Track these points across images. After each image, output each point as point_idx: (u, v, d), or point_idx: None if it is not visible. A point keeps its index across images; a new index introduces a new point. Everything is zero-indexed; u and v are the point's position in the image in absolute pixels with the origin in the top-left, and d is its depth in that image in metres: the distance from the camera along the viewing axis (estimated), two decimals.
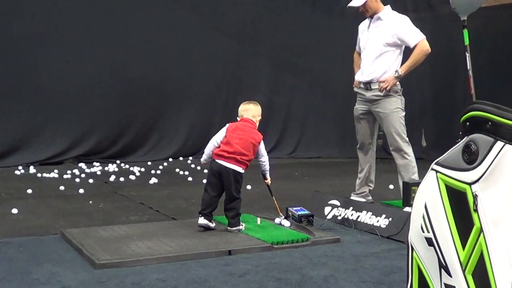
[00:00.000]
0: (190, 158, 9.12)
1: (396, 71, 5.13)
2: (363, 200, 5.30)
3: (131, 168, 7.95)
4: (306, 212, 4.52)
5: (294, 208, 4.58)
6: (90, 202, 5.53)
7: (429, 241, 2.11)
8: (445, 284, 2.07)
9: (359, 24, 5.49)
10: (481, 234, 1.95)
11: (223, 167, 4.17)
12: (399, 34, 5.10)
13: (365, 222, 4.50)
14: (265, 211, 4.83)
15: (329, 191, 5.64)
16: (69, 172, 7.41)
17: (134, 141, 9.03)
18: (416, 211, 2.19)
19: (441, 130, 9.74)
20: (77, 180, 6.95)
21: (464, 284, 1.98)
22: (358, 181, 5.48)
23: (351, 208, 4.72)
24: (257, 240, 3.98)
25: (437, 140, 9.76)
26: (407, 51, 5.24)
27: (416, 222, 2.18)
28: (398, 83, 5.17)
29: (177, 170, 7.84)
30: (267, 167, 4.49)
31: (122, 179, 7.00)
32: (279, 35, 9.89)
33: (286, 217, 4.53)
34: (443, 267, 2.06)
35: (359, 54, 5.46)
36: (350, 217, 4.63)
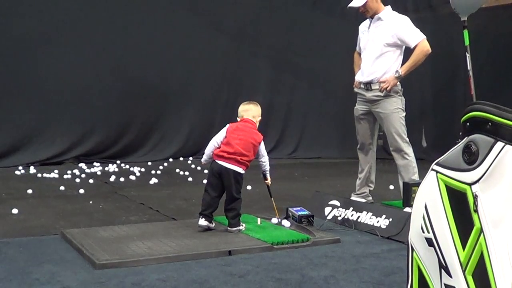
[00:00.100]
0: (191, 158, 9.13)
1: (397, 71, 5.13)
2: (363, 200, 5.30)
3: (131, 168, 7.95)
4: (306, 212, 4.52)
5: (294, 209, 4.58)
6: (90, 202, 5.53)
7: (429, 242, 2.11)
8: (445, 284, 2.07)
9: (359, 24, 5.50)
10: (481, 235, 1.95)
11: (224, 168, 4.17)
12: (399, 34, 5.10)
13: (365, 222, 4.50)
14: (265, 212, 4.83)
15: (329, 191, 5.64)
16: (69, 172, 7.41)
17: (135, 141, 9.03)
18: (416, 212, 2.19)
19: (441, 131, 9.74)
20: (77, 180, 6.95)
21: (464, 284, 1.98)
22: (358, 182, 5.48)
23: (351, 208, 4.72)
24: (257, 240, 3.98)
25: (437, 141, 9.76)
26: (408, 52, 5.24)
27: (416, 222, 2.18)
28: (398, 83, 5.17)
29: (177, 170, 7.84)
30: (268, 167, 4.49)
31: (122, 179, 7.00)
32: (279, 35, 9.89)
33: (286, 218, 4.53)
34: (443, 267, 2.06)
35: (359, 54, 5.46)
36: (350, 218, 4.63)
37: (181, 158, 9.16)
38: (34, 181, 6.90)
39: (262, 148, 4.39)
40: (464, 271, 1.99)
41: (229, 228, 4.22)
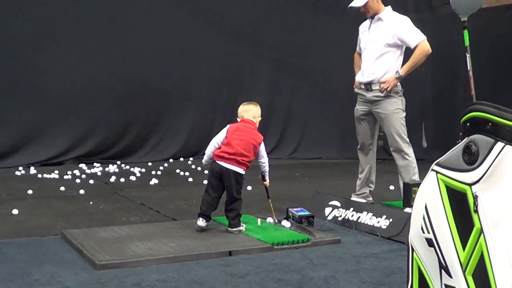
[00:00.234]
0: (191, 159, 9.12)
1: (397, 71, 5.13)
2: (364, 201, 5.30)
3: (132, 169, 7.95)
4: (307, 213, 4.52)
5: (295, 209, 4.58)
6: (91, 202, 5.53)
7: (430, 242, 2.11)
8: (445, 285, 2.07)
9: (359, 24, 5.50)
10: (481, 235, 1.95)
11: (224, 168, 4.17)
12: (399, 34, 5.10)
13: (365, 223, 4.50)
14: (265, 212, 4.83)
15: (330, 192, 5.64)
16: (69, 172, 7.41)
17: (135, 141, 9.03)
18: (416, 212, 2.19)
19: (442, 131, 9.75)
20: (78, 180, 6.95)
21: (465, 285, 1.98)
22: (358, 182, 5.48)
23: (351, 209, 4.72)
24: (257, 241, 3.98)
25: (437, 141, 9.77)
26: (408, 52, 5.24)
27: (416, 223, 2.18)
28: (398, 83, 5.17)
29: (177, 170, 7.84)
30: (267, 168, 4.49)
31: (122, 179, 7.01)
32: (279, 35, 9.90)
33: (287, 218, 4.53)
34: (444, 267, 2.06)
35: (360, 54, 5.47)
36: (351, 218, 4.63)
37: (182, 159, 9.16)
38: (35, 181, 6.90)
39: (262, 149, 4.39)
40: (464, 272, 1.99)
41: (229, 229, 4.22)
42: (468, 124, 2.08)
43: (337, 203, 4.87)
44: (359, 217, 4.58)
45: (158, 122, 9.23)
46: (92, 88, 8.65)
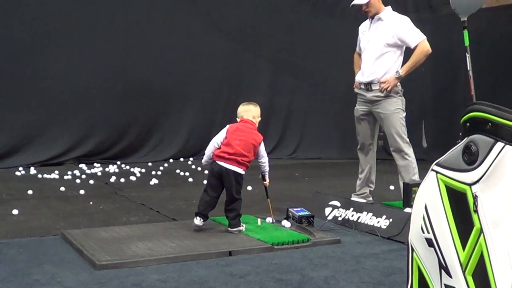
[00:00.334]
0: (191, 159, 9.12)
1: (397, 71, 5.13)
2: (364, 201, 5.30)
3: (132, 169, 7.95)
4: (307, 213, 4.52)
5: (295, 209, 4.58)
6: (91, 203, 5.53)
7: (429, 242, 2.11)
8: (445, 285, 2.07)
9: (359, 25, 5.50)
10: (481, 235, 1.95)
11: (224, 169, 4.17)
12: (399, 34, 5.10)
13: (365, 223, 4.50)
14: (265, 212, 4.82)
15: (330, 192, 5.64)
16: (69, 173, 7.41)
17: (135, 142, 9.03)
18: (416, 212, 2.19)
19: (442, 131, 9.75)
20: (78, 181, 6.95)
21: (464, 285, 1.98)
22: (358, 182, 5.48)
23: (351, 209, 4.72)
24: (257, 241, 3.98)
25: (437, 141, 9.77)
26: (408, 52, 5.24)
27: (416, 223, 2.18)
28: (398, 83, 5.17)
29: (177, 171, 7.84)
30: (267, 168, 4.49)
31: (122, 180, 7.01)
32: (279, 36, 9.90)
33: (287, 218, 4.53)
34: (443, 268, 2.06)
35: (359, 55, 5.47)
36: (351, 218, 4.63)
37: (182, 159, 9.16)
38: (35, 182, 6.90)
39: (262, 148, 4.39)
40: (464, 272, 1.99)
41: (229, 229, 4.22)
42: (468, 124, 2.08)
43: (337, 203, 4.87)
44: (359, 217, 4.59)
45: (158, 122, 9.23)
46: (92, 88, 8.65)
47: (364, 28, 5.39)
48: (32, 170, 7.68)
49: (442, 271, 2.07)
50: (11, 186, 6.51)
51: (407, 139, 5.20)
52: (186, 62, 9.22)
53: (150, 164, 8.60)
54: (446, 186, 2.08)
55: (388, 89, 5.11)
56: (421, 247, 2.16)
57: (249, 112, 4.45)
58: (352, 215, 4.65)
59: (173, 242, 3.88)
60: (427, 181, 2.16)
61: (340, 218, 4.73)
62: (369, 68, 5.23)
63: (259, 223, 4.48)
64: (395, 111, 5.15)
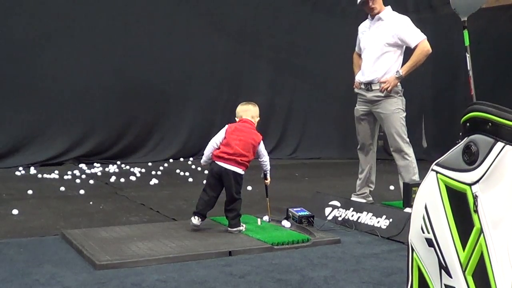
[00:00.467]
0: (191, 159, 9.12)
1: (397, 71, 5.13)
2: (364, 201, 5.30)
3: (132, 169, 7.95)
4: (307, 213, 4.52)
5: (295, 209, 4.58)
6: (91, 203, 5.53)
7: (429, 242, 2.11)
8: (445, 285, 2.07)
9: (359, 24, 5.49)
10: (481, 235, 1.95)
11: (223, 169, 4.17)
12: (400, 34, 5.10)
13: (365, 223, 4.50)
14: (265, 212, 4.83)
15: (330, 192, 5.63)
16: (69, 173, 7.41)
17: (135, 142, 9.03)
18: (416, 212, 2.19)
19: (442, 131, 9.75)
20: (78, 181, 6.95)
21: (464, 285, 1.98)
22: (358, 182, 5.48)
23: (351, 209, 4.72)
24: (257, 241, 3.98)
25: (437, 141, 9.77)
26: (408, 52, 5.24)
27: (416, 223, 2.18)
28: (399, 83, 5.17)
29: (177, 171, 7.83)
30: (268, 167, 4.49)
31: (122, 180, 7.00)
32: (279, 35, 9.90)
33: (287, 218, 4.53)
34: (443, 268, 2.06)
35: (359, 55, 5.46)
36: (351, 218, 4.63)
37: (182, 159, 9.16)
38: (35, 181, 6.90)
39: (262, 148, 4.39)
40: (464, 272, 1.99)
41: (229, 229, 4.22)
42: (468, 124, 2.08)
43: (337, 203, 4.87)
44: (359, 217, 4.59)
45: (158, 122, 9.23)
46: (92, 88, 8.65)
47: (364, 28, 5.39)
48: (32, 170, 7.68)
49: (442, 271, 2.07)
50: (11, 186, 6.51)
51: (407, 139, 5.20)
52: (186, 62, 9.22)
53: (150, 164, 8.60)
54: (446, 186, 2.08)
55: (388, 89, 5.10)
56: (421, 247, 2.16)
57: (248, 112, 4.44)
58: (352, 215, 4.65)
59: (173, 242, 3.88)
60: (427, 181, 2.16)
61: (340, 218, 4.73)
62: (370, 67, 5.23)
63: (259, 223, 4.49)
64: (395, 111, 5.15)
